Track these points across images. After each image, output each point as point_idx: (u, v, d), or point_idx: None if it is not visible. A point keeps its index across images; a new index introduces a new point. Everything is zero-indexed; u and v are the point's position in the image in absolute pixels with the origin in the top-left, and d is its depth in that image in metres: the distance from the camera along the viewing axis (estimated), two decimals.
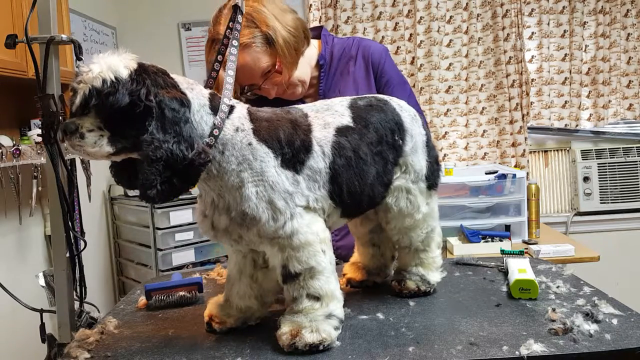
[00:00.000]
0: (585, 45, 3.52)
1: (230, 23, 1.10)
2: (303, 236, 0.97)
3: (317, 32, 1.64)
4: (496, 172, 2.97)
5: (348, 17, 3.50)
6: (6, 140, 2.14)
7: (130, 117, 0.88)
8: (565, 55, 3.51)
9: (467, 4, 3.48)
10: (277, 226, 0.96)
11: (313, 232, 0.98)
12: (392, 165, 1.12)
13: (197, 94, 0.96)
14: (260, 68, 1.39)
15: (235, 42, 1.07)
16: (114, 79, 0.87)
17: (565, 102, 3.53)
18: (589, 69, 3.54)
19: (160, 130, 0.88)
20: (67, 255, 1.14)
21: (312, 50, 1.57)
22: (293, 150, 0.99)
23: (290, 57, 1.42)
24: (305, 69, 1.52)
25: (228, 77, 1.02)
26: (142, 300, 1.28)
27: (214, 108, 0.96)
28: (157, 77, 0.91)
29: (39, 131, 1.68)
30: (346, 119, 1.07)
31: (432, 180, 1.19)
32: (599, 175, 3.54)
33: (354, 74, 1.58)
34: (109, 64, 0.88)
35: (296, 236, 0.97)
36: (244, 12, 1.13)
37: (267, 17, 1.37)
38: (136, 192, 0.93)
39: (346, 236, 1.54)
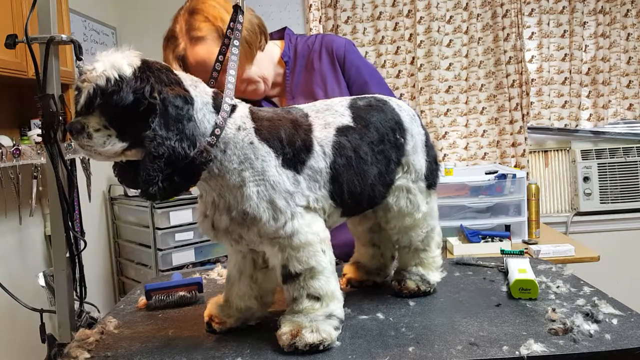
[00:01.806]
0: (585, 45, 3.52)
1: (231, 23, 1.10)
2: (303, 236, 0.97)
3: (281, 34, 1.66)
4: (496, 172, 2.97)
5: (348, 17, 3.51)
6: (6, 140, 2.14)
7: (135, 115, 0.88)
8: (565, 55, 3.51)
9: (467, 4, 3.49)
10: (278, 226, 0.96)
11: (313, 232, 0.98)
12: (395, 165, 1.12)
13: (201, 92, 0.96)
14: (213, 60, 1.40)
15: (236, 42, 1.07)
16: (117, 77, 0.87)
17: (565, 102, 3.53)
18: (589, 69, 3.54)
19: (163, 127, 0.88)
20: (67, 255, 1.14)
21: (275, 49, 1.59)
22: (294, 150, 0.99)
23: (242, 49, 1.43)
24: (266, 65, 1.54)
25: (230, 76, 1.02)
26: (142, 300, 1.28)
27: (217, 107, 0.96)
28: (161, 74, 0.91)
29: (39, 131, 1.69)
30: (346, 119, 1.07)
31: (431, 179, 1.19)
32: (599, 175, 3.54)
33: (320, 70, 1.58)
34: (112, 62, 0.88)
35: (296, 236, 0.96)
36: (244, 12, 1.13)
37: (222, 13, 1.40)
38: (137, 192, 0.93)
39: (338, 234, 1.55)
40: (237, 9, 1.11)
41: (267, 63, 1.54)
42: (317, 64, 1.58)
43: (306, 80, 1.58)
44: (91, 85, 0.87)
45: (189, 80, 0.96)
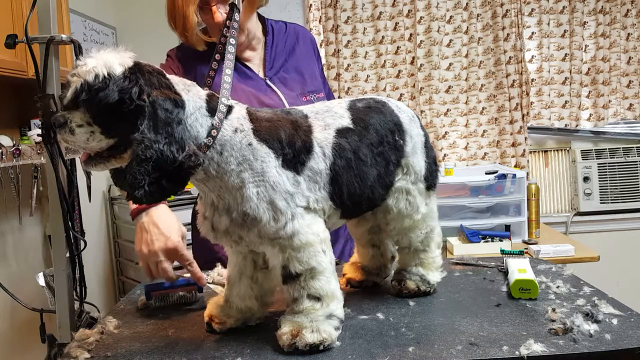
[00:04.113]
0: (585, 45, 3.52)
1: (228, 22, 1.10)
2: (304, 237, 0.97)
3: None
4: (496, 172, 2.97)
5: (348, 17, 3.50)
6: (6, 140, 2.14)
7: (120, 114, 0.87)
8: (565, 55, 3.51)
9: (467, 4, 3.48)
10: (278, 227, 0.96)
11: (314, 232, 0.98)
12: (394, 167, 1.12)
13: (194, 96, 0.95)
14: None
15: (232, 41, 1.06)
16: (106, 74, 0.86)
17: (565, 102, 3.53)
18: (589, 69, 3.53)
19: (152, 130, 0.87)
20: (67, 255, 1.14)
21: (256, 18, 1.63)
22: (294, 151, 0.99)
23: None
24: (254, 23, 1.58)
25: (226, 76, 1.01)
26: (142, 300, 1.28)
27: (212, 109, 0.95)
28: (152, 77, 0.90)
29: (39, 131, 1.69)
30: (346, 121, 1.07)
31: (430, 180, 1.19)
32: (599, 175, 3.54)
33: (303, 54, 1.66)
34: (104, 60, 0.88)
35: (297, 237, 0.96)
36: (241, 11, 1.12)
37: None
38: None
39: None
40: (233, 7, 1.10)
41: (255, 22, 1.58)
42: (298, 48, 1.66)
43: (287, 58, 1.64)
44: (80, 80, 0.87)
45: (181, 84, 0.96)
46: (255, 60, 1.62)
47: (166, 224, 1.27)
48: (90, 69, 0.86)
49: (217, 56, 1.09)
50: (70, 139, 0.88)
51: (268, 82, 1.59)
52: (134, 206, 1.29)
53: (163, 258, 1.24)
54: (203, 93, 0.98)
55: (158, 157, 0.87)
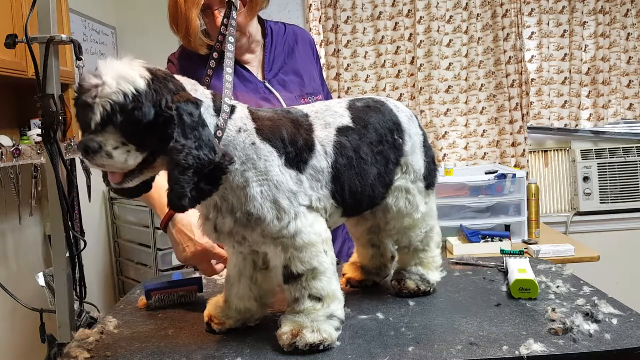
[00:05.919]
0: (585, 45, 3.52)
1: (225, 20, 1.10)
2: (307, 236, 0.97)
3: None
4: (496, 172, 2.97)
5: (348, 17, 3.50)
6: (6, 140, 2.14)
7: (154, 128, 0.85)
8: (565, 55, 3.51)
9: (467, 4, 3.48)
10: (282, 226, 0.96)
11: (316, 232, 0.98)
12: (394, 166, 1.12)
13: (201, 96, 0.95)
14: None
15: (231, 39, 1.06)
16: (134, 92, 0.83)
17: (565, 102, 3.53)
18: (589, 69, 3.54)
19: (182, 136, 0.86)
20: (67, 255, 1.14)
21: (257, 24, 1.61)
22: (297, 150, 0.99)
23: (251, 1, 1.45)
24: (255, 27, 1.57)
25: (227, 75, 1.01)
26: (142, 300, 1.28)
27: (217, 109, 0.95)
28: (168, 83, 0.89)
29: (39, 131, 1.69)
30: (346, 120, 1.08)
31: (430, 180, 1.19)
32: (599, 175, 3.54)
33: (302, 56, 1.65)
34: (122, 75, 0.83)
35: (300, 236, 0.96)
36: (238, 8, 1.12)
37: None
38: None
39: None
40: (230, 5, 1.10)
41: (255, 25, 1.57)
42: (297, 49, 1.64)
43: (285, 60, 1.62)
44: (107, 101, 0.82)
45: (189, 85, 0.95)
46: (254, 63, 1.61)
47: (190, 228, 1.25)
48: (116, 89, 0.82)
49: (215, 55, 1.09)
50: (108, 163, 0.85)
51: (267, 85, 1.58)
52: (161, 218, 1.30)
53: (197, 263, 1.27)
54: (208, 93, 0.98)
55: (197, 163, 0.86)
